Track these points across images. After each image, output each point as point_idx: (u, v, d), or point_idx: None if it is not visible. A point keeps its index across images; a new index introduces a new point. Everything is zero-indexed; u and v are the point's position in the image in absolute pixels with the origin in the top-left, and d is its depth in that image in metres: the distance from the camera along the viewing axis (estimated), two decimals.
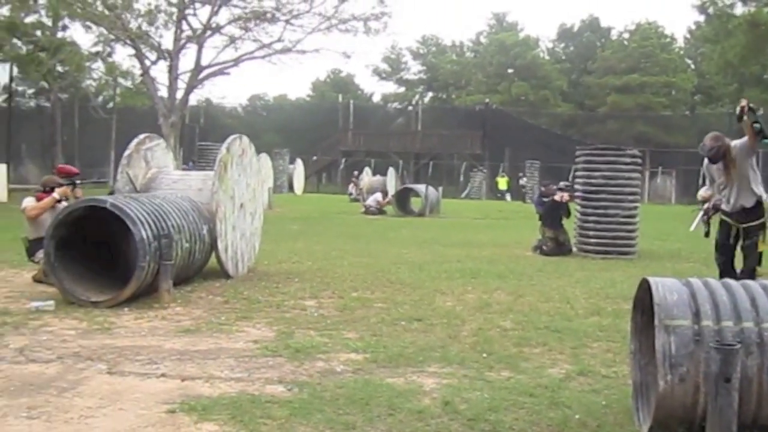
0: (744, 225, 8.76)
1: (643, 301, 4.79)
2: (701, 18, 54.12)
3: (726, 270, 8.88)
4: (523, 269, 12.32)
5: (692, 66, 71.49)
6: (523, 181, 47.17)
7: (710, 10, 47.06)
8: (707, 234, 9.90)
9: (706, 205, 10.07)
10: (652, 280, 4.51)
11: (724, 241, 9.00)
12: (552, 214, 15.41)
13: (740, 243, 8.88)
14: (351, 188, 41.95)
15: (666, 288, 4.36)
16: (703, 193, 11.40)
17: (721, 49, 47.28)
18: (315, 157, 59.11)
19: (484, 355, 6.54)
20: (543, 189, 16.99)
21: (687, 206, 43.37)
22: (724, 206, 8.98)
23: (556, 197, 15.42)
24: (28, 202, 10.32)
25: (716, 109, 66.10)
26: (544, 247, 15.04)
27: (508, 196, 47.19)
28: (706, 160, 8.88)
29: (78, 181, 10.50)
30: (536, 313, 8.52)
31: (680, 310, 4.22)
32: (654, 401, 4.32)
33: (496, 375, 5.91)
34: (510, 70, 71.46)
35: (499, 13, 79.94)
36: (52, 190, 10.41)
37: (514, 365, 6.18)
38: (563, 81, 71.07)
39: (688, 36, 72.88)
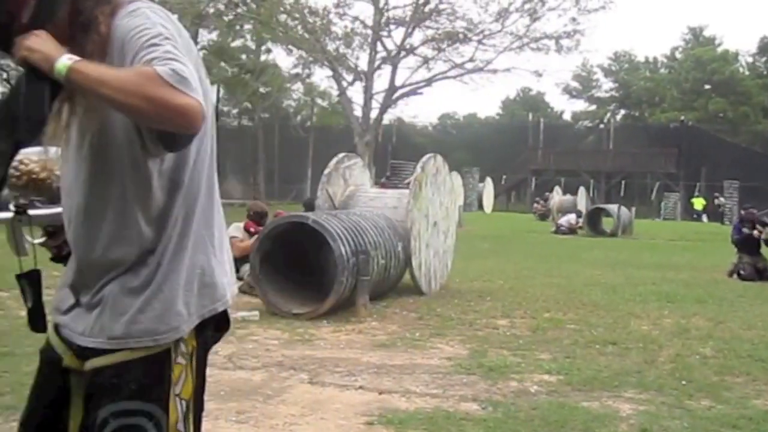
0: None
1: None
2: None
3: None
4: (722, 294, 11.89)
5: None
6: (719, 201, 45.30)
7: None
8: None
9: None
10: None
11: None
12: (749, 243, 14.75)
13: None
14: (536, 207, 41.49)
15: None
16: None
17: None
18: (505, 176, 58.95)
19: (683, 382, 6.37)
20: (743, 213, 16.24)
21: None
22: None
23: (755, 233, 14.67)
24: (236, 231, 11.02)
25: None
26: (742, 272, 14.42)
27: (704, 218, 45.42)
28: None
29: None
30: (738, 340, 8.21)
31: None
32: None
33: (696, 404, 5.75)
34: (707, 86, 68.87)
35: (695, 28, 77.01)
36: (257, 215, 11.16)
37: (716, 394, 5.99)
38: (765, 97, 67.83)
39: None
